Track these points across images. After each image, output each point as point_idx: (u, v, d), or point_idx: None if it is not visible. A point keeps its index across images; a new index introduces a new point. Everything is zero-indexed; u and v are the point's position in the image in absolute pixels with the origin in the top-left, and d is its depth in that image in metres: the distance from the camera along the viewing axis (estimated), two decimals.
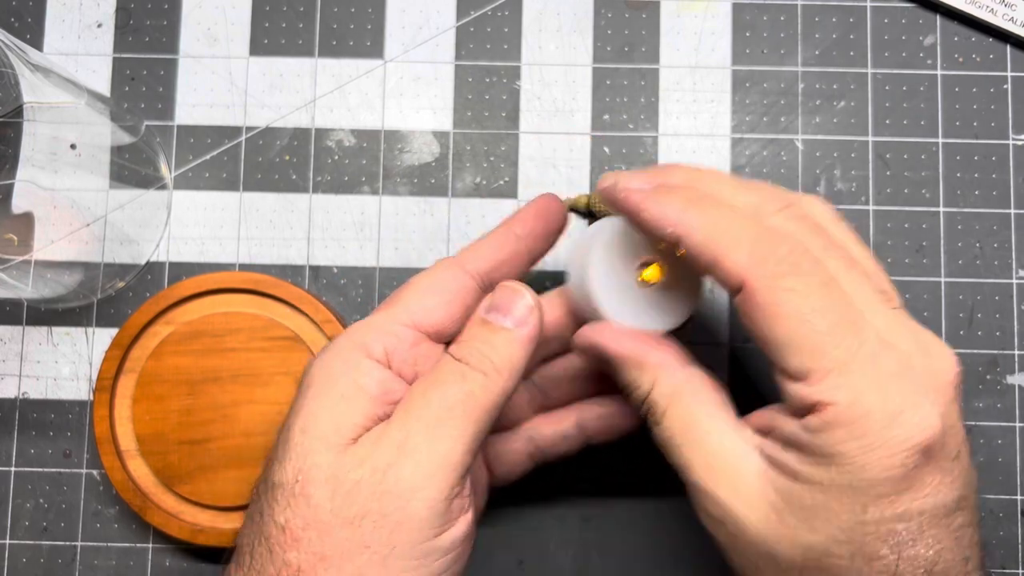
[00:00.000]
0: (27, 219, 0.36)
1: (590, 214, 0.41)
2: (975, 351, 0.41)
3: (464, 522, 0.28)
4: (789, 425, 0.27)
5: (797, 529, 0.26)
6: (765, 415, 0.28)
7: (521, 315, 0.30)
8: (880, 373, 0.26)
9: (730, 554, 0.28)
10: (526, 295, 0.30)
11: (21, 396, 0.42)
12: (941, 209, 0.42)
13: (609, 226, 0.32)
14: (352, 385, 0.29)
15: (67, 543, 0.41)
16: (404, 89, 0.43)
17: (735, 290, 0.27)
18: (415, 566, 0.26)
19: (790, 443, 0.27)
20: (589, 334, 0.31)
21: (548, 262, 0.36)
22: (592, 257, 0.32)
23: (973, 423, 0.41)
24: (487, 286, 0.32)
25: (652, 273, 0.32)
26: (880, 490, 0.25)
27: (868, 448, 0.25)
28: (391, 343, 0.30)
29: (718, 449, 0.28)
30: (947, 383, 0.27)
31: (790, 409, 0.27)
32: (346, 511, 0.26)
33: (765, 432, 0.28)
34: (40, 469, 0.41)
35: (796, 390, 0.26)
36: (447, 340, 0.31)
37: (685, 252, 0.28)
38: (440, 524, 0.27)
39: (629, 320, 0.32)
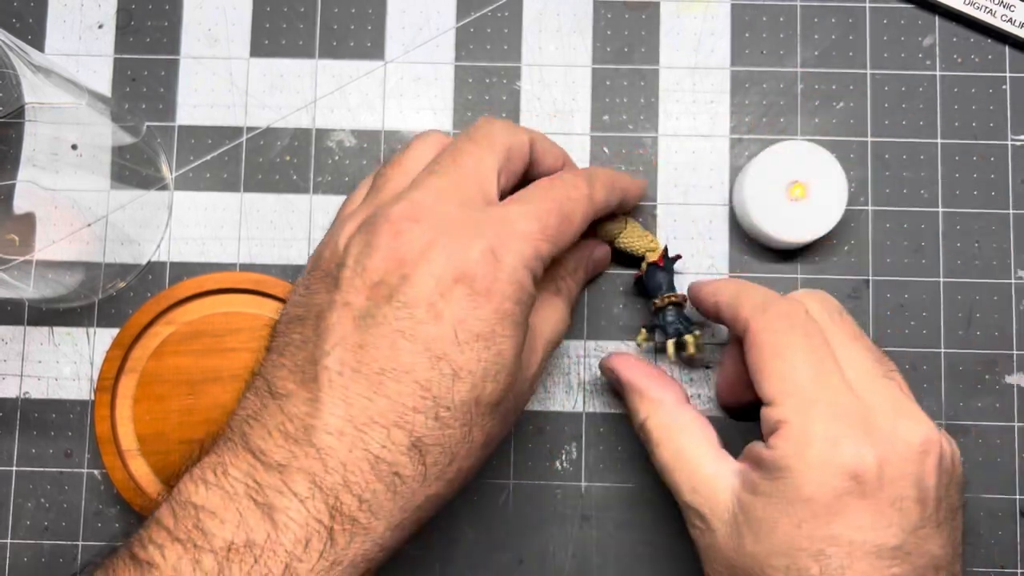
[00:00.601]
0: (28, 219, 0.36)
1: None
2: (974, 351, 0.41)
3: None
4: (758, 446, 0.31)
5: (746, 539, 0.30)
6: (752, 446, 0.32)
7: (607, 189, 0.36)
8: (837, 411, 0.30)
9: (706, 566, 0.33)
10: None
11: (22, 396, 0.42)
12: (940, 209, 0.42)
13: (763, 155, 0.40)
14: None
15: (68, 543, 0.41)
16: (404, 90, 0.43)
17: (744, 335, 0.33)
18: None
19: (757, 462, 0.31)
20: (611, 361, 0.38)
21: None
22: (747, 178, 0.40)
23: (972, 423, 0.41)
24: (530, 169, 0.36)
25: (798, 191, 0.39)
26: (814, 508, 0.29)
27: (808, 466, 0.29)
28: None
29: (701, 474, 0.32)
30: (910, 447, 0.30)
31: (763, 432, 0.31)
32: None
33: (744, 454, 0.32)
34: (41, 469, 0.41)
35: (766, 412, 0.31)
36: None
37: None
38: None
39: (780, 230, 0.39)
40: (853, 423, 0.30)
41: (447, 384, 0.28)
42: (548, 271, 0.34)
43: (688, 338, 0.38)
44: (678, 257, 0.40)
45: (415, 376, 0.28)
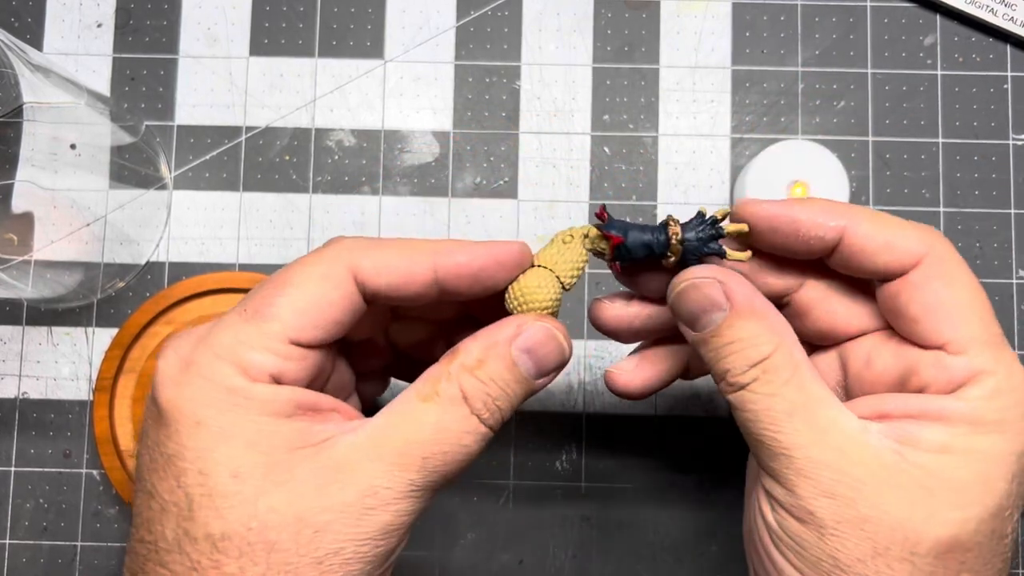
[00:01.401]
0: (27, 219, 0.36)
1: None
2: None
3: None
4: (931, 402, 0.26)
5: (947, 506, 0.25)
6: (873, 403, 0.28)
7: (550, 371, 0.28)
8: (1016, 360, 0.27)
9: (824, 544, 0.26)
10: (566, 352, 0.28)
11: (21, 396, 0.42)
12: (941, 209, 0.42)
13: (764, 154, 0.39)
14: (264, 416, 0.25)
15: (67, 543, 0.41)
16: (404, 89, 0.43)
17: (901, 271, 0.27)
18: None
19: (933, 418, 0.26)
20: (726, 280, 0.28)
21: None
22: (748, 178, 0.39)
23: None
24: (375, 300, 0.28)
25: (799, 190, 0.38)
26: None
27: None
28: (274, 363, 0.25)
29: (848, 431, 0.26)
30: None
31: (938, 385, 0.27)
32: (314, 552, 0.24)
33: (879, 415, 0.27)
34: (40, 469, 0.41)
35: (958, 362, 0.26)
36: (330, 343, 0.28)
37: (839, 245, 0.28)
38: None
39: None
40: None
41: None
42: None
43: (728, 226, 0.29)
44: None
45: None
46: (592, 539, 0.41)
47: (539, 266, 0.28)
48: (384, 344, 0.33)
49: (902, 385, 0.28)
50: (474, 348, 0.27)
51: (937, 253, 0.27)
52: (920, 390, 0.27)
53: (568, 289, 0.29)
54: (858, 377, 0.30)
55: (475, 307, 0.32)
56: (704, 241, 0.28)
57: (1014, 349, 0.41)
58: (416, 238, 0.28)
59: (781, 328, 0.27)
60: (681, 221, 0.29)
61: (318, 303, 0.26)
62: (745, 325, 0.27)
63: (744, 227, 0.28)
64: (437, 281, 0.27)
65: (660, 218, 0.42)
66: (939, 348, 0.27)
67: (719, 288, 0.27)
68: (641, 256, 0.28)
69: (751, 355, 0.27)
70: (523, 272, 0.28)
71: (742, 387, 0.27)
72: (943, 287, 0.27)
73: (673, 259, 0.28)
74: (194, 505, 0.24)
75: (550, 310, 0.28)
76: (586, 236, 0.29)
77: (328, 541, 0.24)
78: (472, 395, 0.26)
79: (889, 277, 0.28)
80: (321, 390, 0.28)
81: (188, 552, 0.24)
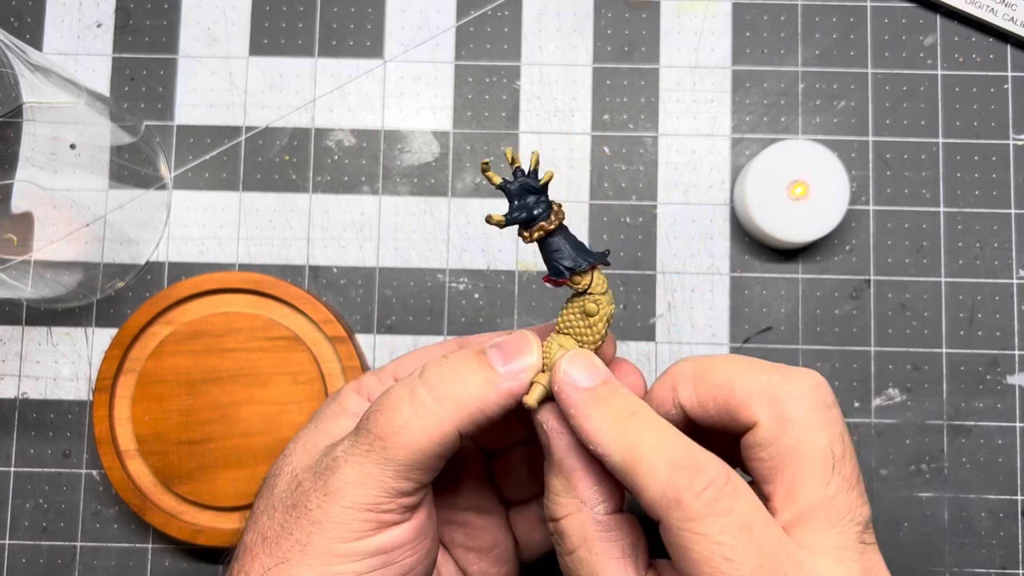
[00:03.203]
0: (27, 219, 0.36)
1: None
2: (975, 351, 0.41)
3: (399, 531, 0.28)
4: None
5: None
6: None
7: (515, 369, 0.28)
8: None
9: None
10: (534, 352, 0.28)
11: (21, 396, 0.42)
12: (941, 209, 0.42)
13: (764, 154, 0.39)
14: (337, 407, 0.31)
15: (67, 543, 0.41)
16: (404, 89, 0.43)
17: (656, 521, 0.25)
18: (334, 561, 0.27)
19: None
20: (544, 416, 0.28)
21: None
22: (748, 178, 0.39)
23: (974, 423, 0.41)
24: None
25: (799, 190, 0.39)
26: None
27: None
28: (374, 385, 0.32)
29: None
30: None
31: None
32: (289, 499, 0.28)
33: None
34: (40, 469, 0.41)
35: (809, 561, 0.24)
36: None
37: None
38: (362, 529, 0.27)
39: (781, 229, 0.39)
40: None
41: None
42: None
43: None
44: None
45: None
46: None
47: (561, 332, 0.29)
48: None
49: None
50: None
51: (669, 522, 0.24)
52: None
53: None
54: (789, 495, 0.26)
55: None
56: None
57: (1014, 349, 0.41)
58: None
59: (586, 494, 0.27)
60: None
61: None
62: (552, 480, 0.28)
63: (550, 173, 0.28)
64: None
65: (660, 218, 0.42)
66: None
67: (544, 432, 0.28)
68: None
69: (550, 511, 0.28)
70: (546, 339, 0.29)
71: (551, 535, 0.28)
72: (677, 559, 0.24)
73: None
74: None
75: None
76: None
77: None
78: (428, 373, 0.28)
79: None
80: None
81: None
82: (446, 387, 0.27)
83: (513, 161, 0.27)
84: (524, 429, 0.33)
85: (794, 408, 0.26)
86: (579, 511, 0.27)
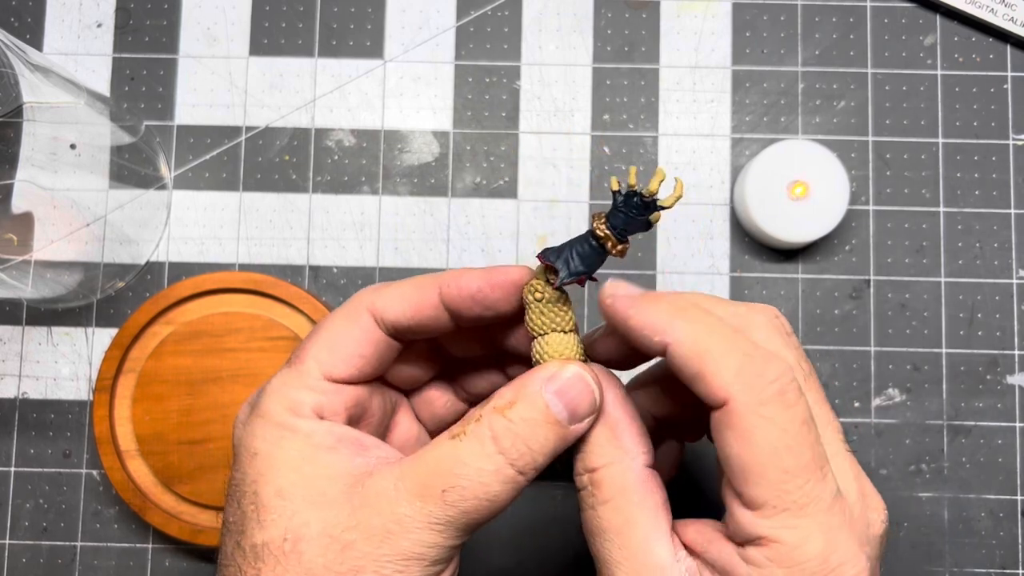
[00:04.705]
0: (27, 219, 0.36)
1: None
2: (975, 351, 0.41)
3: None
4: (726, 549, 0.26)
5: None
6: (703, 532, 0.28)
7: (584, 415, 0.28)
8: (830, 524, 0.25)
9: None
10: (595, 394, 0.28)
11: (21, 396, 0.42)
12: (941, 209, 0.42)
13: (764, 154, 0.39)
14: (308, 446, 0.28)
15: (67, 543, 0.41)
16: (404, 89, 0.43)
17: (715, 407, 0.26)
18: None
19: (722, 570, 0.26)
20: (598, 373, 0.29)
21: None
22: (748, 178, 0.39)
23: (973, 423, 0.41)
24: (398, 333, 0.30)
25: (799, 190, 0.39)
26: None
27: None
28: (314, 399, 0.29)
29: (649, 560, 0.27)
30: (876, 535, 0.27)
31: (732, 532, 0.26)
32: (338, 567, 0.26)
33: (698, 548, 0.27)
34: (40, 469, 0.41)
35: (746, 518, 0.26)
36: (368, 379, 0.30)
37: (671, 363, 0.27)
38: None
39: (781, 229, 0.39)
40: (846, 537, 0.26)
41: None
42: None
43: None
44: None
45: None
46: None
47: (544, 335, 0.29)
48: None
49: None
50: (507, 392, 0.28)
51: (740, 402, 0.25)
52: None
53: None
54: (738, 456, 0.27)
55: (501, 342, 0.32)
56: (633, 219, 0.28)
57: (1014, 349, 0.41)
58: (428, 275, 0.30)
59: (629, 445, 0.28)
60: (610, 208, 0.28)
61: (343, 341, 0.29)
62: (594, 432, 0.28)
63: (680, 193, 0.27)
64: (445, 306, 0.29)
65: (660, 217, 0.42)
66: (736, 496, 0.26)
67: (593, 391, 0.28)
68: (587, 267, 0.28)
69: (587, 461, 0.28)
70: (544, 336, 0.29)
71: (580, 489, 0.28)
72: (735, 442, 0.25)
73: (618, 247, 0.28)
74: (246, 520, 0.28)
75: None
76: (533, 289, 0.28)
77: (352, 558, 0.26)
78: (500, 435, 0.27)
79: (709, 406, 0.26)
80: (373, 427, 0.31)
81: (238, 562, 0.27)
82: (523, 458, 0.27)
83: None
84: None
85: (759, 333, 0.27)
86: (620, 461, 0.28)
